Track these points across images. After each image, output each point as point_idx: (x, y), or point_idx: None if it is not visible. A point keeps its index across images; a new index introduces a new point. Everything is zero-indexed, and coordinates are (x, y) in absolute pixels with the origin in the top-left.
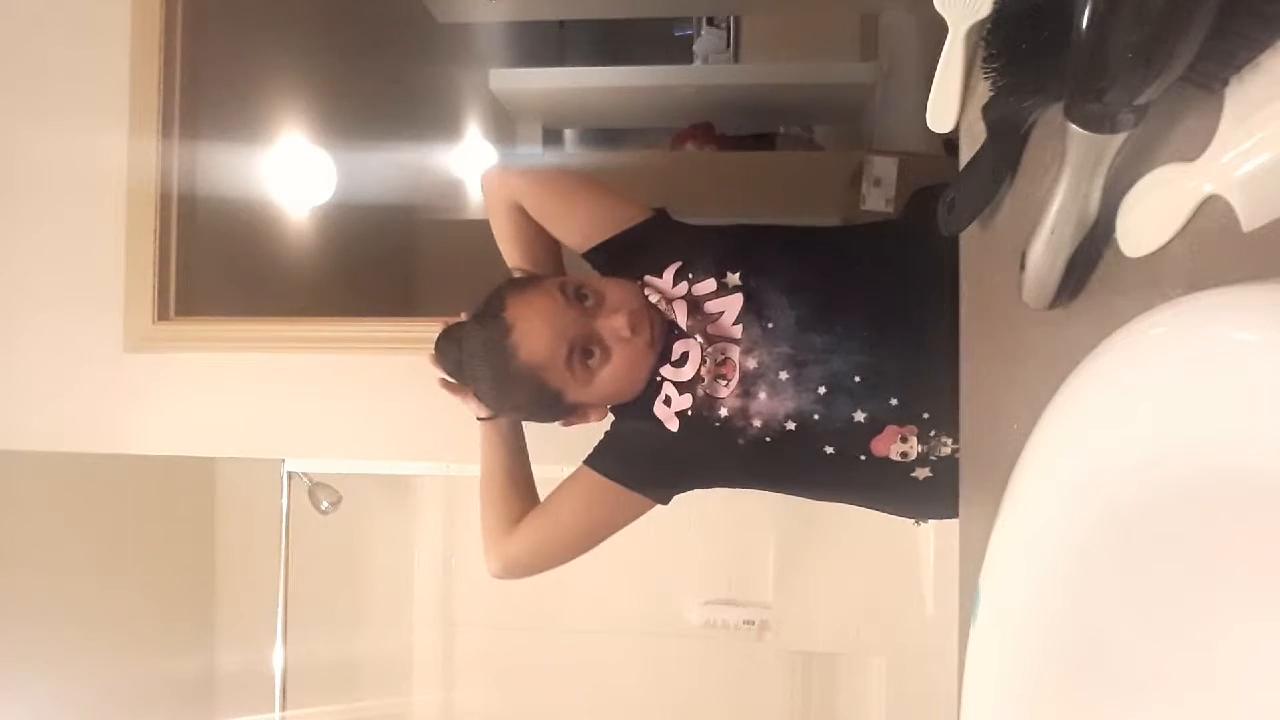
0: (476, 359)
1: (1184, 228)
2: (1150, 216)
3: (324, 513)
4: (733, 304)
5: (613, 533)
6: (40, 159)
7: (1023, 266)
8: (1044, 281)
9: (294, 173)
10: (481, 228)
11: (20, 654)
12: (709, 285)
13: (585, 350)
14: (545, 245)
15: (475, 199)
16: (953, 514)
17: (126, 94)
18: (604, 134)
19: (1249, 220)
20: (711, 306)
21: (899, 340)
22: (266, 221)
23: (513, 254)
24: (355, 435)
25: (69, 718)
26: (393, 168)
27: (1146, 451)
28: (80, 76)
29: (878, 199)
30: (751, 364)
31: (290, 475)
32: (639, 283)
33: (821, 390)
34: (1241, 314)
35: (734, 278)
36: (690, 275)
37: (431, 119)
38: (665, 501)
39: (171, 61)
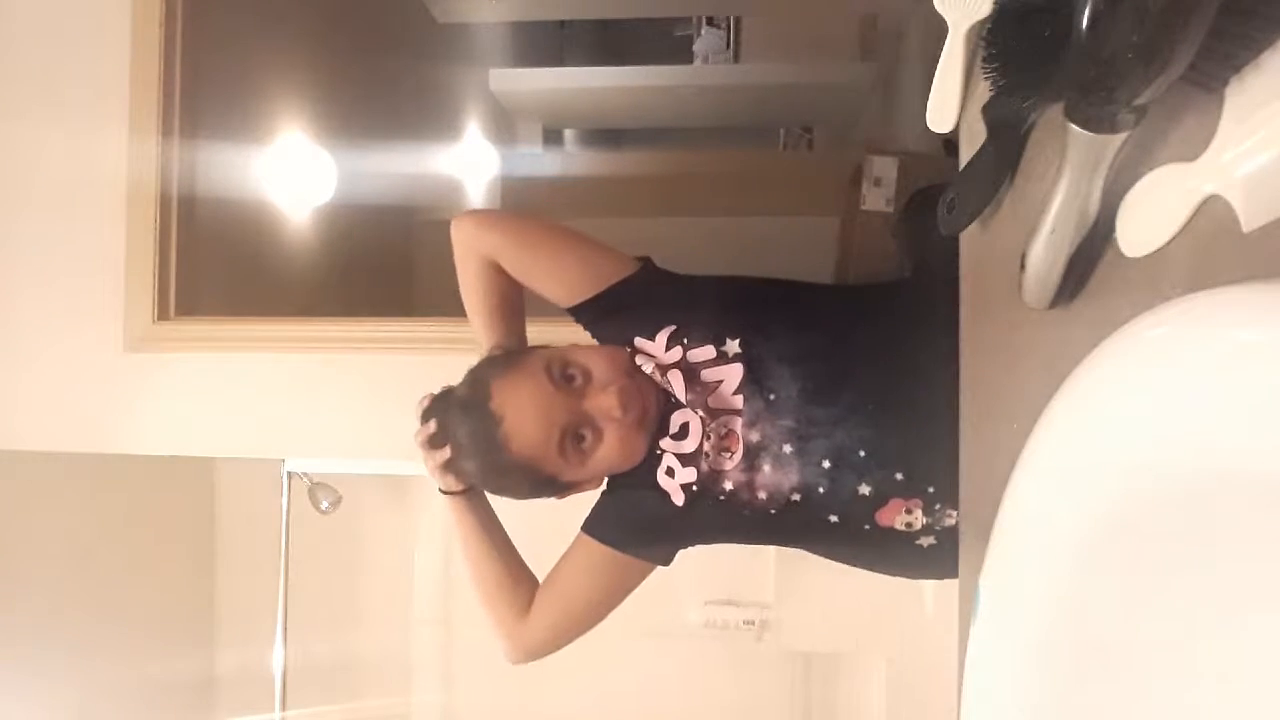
0: (466, 449)
1: (1184, 228)
2: (1150, 216)
3: (324, 513)
4: (732, 374)
5: (623, 598)
6: (40, 159)
7: (1023, 266)
8: (1044, 281)
9: (294, 173)
10: None
11: (20, 654)
12: (707, 353)
13: (577, 435)
14: (515, 306)
15: (475, 199)
16: (955, 575)
17: (126, 94)
18: (604, 134)
19: (1249, 220)
20: (709, 375)
21: (904, 414)
22: (266, 221)
23: (480, 312)
24: (355, 435)
25: (69, 717)
26: (393, 168)
27: (1146, 451)
28: (80, 76)
29: (878, 199)
30: (755, 437)
31: (290, 475)
32: (628, 350)
33: (826, 464)
34: (1241, 314)
35: (733, 345)
36: (685, 340)
37: (431, 119)
38: (667, 563)
39: (171, 61)
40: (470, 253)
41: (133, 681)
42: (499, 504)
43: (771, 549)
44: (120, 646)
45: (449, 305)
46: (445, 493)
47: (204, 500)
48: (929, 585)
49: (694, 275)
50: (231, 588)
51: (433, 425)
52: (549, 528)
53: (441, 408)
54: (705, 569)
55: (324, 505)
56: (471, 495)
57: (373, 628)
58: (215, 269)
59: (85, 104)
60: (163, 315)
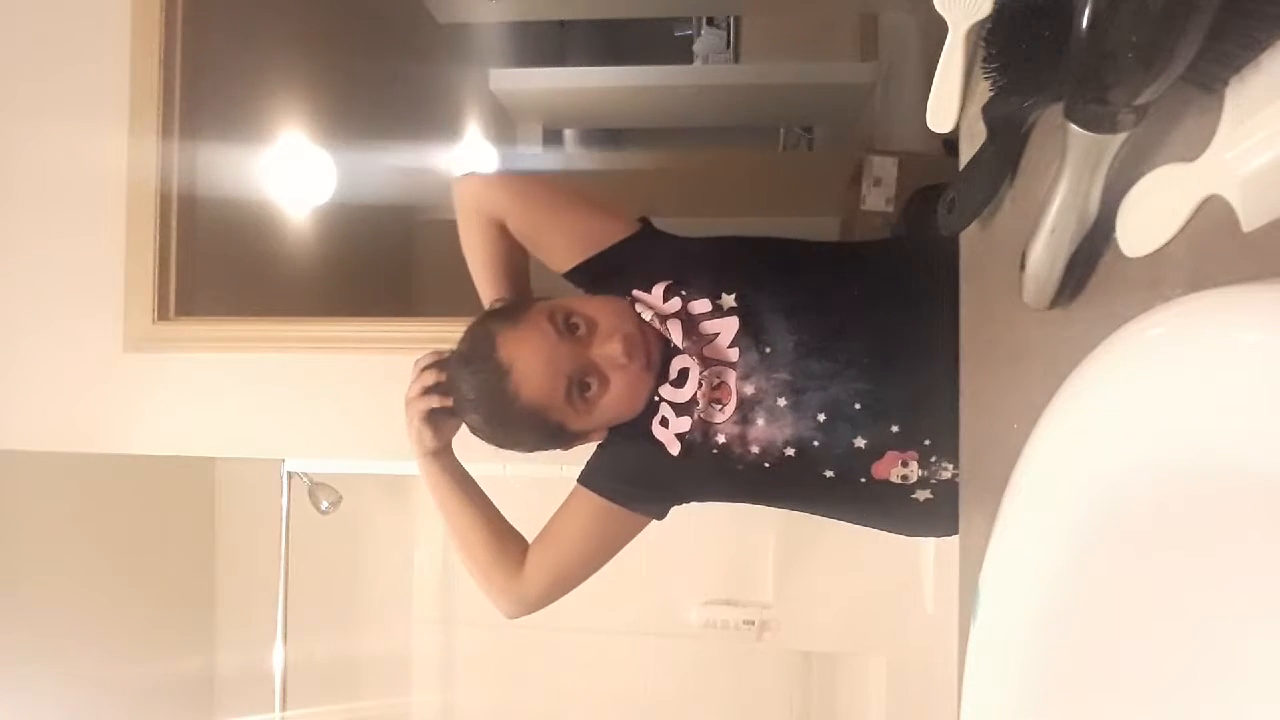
0: (471, 402)
1: (1184, 228)
2: (1150, 216)
3: (324, 513)
4: (728, 326)
5: (618, 551)
6: (40, 159)
7: (1023, 266)
8: (1044, 281)
9: (294, 173)
10: None
11: (21, 654)
12: (703, 305)
13: (583, 383)
14: (518, 265)
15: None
16: (952, 532)
17: (126, 94)
18: (604, 134)
19: (1249, 220)
20: (706, 327)
21: (900, 367)
22: (266, 221)
23: (485, 273)
24: (355, 435)
25: (69, 717)
26: (393, 168)
27: (1146, 451)
28: (80, 76)
29: (878, 199)
30: (749, 390)
31: (290, 475)
32: (628, 300)
33: (821, 417)
34: (1241, 314)
35: (729, 299)
36: (683, 293)
37: (431, 119)
38: (661, 517)
39: (171, 61)
40: (473, 213)
41: (133, 681)
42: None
43: (771, 547)
44: (120, 646)
45: (449, 305)
46: (420, 455)
47: (204, 500)
48: (929, 584)
49: (691, 236)
50: (231, 588)
51: (429, 377)
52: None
53: (442, 363)
54: (705, 569)
55: (324, 505)
56: (446, 456)
57: (373, 628)
58: (215, 269)
59: (85, 104)
60: (163, 315)
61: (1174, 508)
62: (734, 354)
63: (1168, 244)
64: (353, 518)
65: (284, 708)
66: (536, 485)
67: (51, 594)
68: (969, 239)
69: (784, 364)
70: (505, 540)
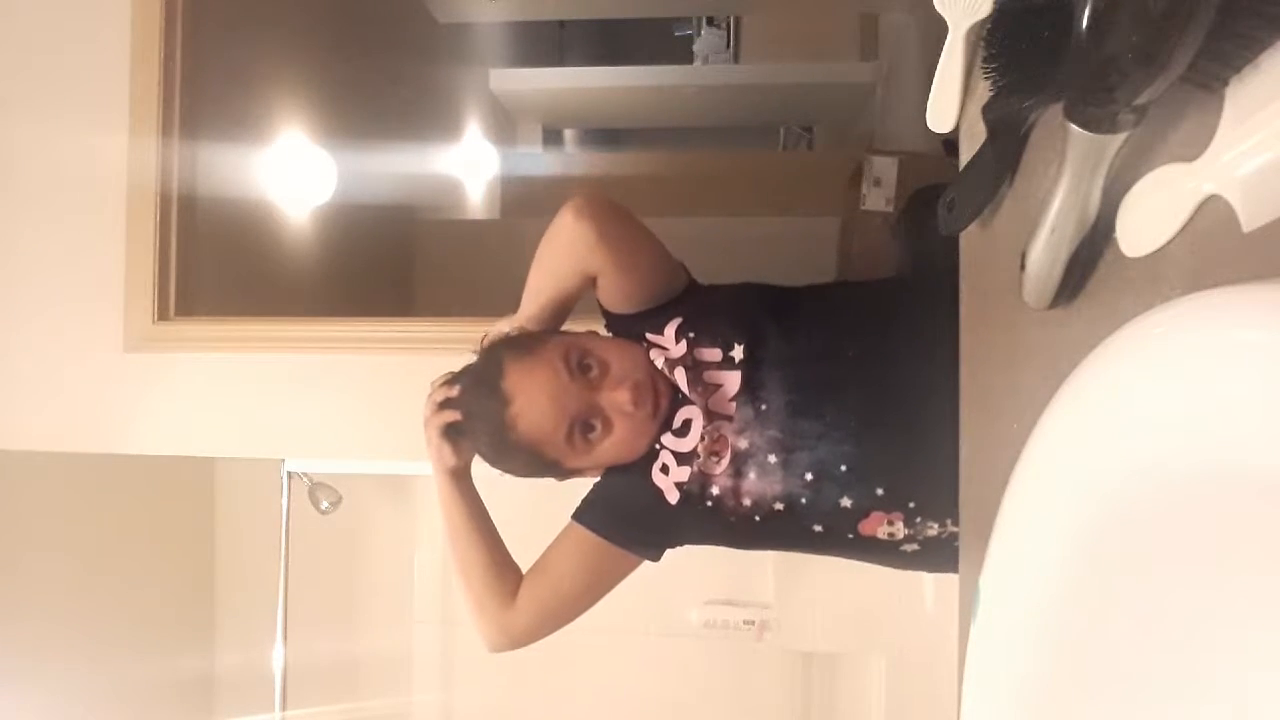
0: (474, 422)
1: (1184, 228)
2: (1150, 216)
3: (324, 513)
4: (733, 380)
5: (609, 590)
6: (40, 159)
7: (1023, 266)
8: (1044, 281)
9: (294, 173)
10: (481, 228)
11: (21, 653)
12: (714, 355)
13: (587, 424)
14: (572, 305)
15: (475, 199)
16: (942, 570)
17: (126, 94)
18: (604, 134)
19: (1249, 220)
20: (712, 377)
21: (888, 432)
22: (266, 221)
23: (543, 301)
24: (355, 435)
25: (69, 717)
26: (393, 168)
27: (1147, 451)
28: (80, 76)
29: (878, 199)
30: (743, 444)
31: (290, 475)
32: (643, 346)
33: (809, 477)
34: (1242, 314)
35: (739, 350)
36: (692, 335)
37: (431, 119)
38: (655, 559)
39: (171, 61)
40: (574, 258)
41: (133, 681)
42: (493, 496)
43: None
44: (120, 646)
45: (449, 305)
46: (439, 473)
47: (204, 500)
48: (929, 584)
49: (716, 285)
50: (231, 588)
51: (443, 393)
52: (539, 522)
53: (456, 379)
54: (705, 569)
55: (324, 505)
56: (464, 478)
57: (373, 628)
58: (215, 269)
59: (85, 104)
60: (163, 315)
61: (1174, 507)
62: (732, 408)
63: (1168, 244)
64: (353, 518)
65: (284, 708)
66: (536, 485)
67: (51, 594)
68: (969, 239)
69: (776, 422)
70: (504, 572)
